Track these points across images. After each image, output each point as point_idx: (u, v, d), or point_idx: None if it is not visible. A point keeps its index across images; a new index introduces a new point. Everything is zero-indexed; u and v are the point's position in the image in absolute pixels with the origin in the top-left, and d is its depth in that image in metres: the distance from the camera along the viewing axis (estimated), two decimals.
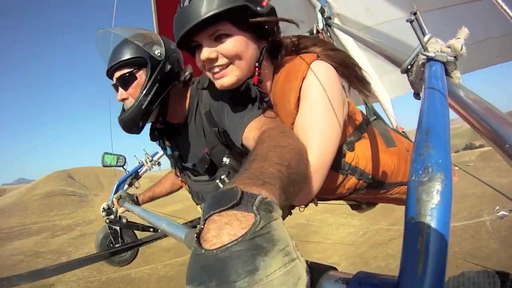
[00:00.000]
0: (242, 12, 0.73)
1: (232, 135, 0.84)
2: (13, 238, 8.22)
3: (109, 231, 1.90)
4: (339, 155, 0.88)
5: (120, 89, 1.00)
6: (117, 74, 0.99)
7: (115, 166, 2.02)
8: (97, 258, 1.59)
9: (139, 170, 2.07)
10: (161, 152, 1.98)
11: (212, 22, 0.72)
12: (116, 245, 2.02)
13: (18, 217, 9.88)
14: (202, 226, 0.32)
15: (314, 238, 6.78)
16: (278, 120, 0.78)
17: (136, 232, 2.04)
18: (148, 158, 1.99)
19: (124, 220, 1.88)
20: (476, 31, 2.01)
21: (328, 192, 0.98)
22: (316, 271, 0.38)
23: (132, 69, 0.98)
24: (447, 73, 0.58)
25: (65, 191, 12.33)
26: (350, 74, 0.82)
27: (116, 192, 1.90)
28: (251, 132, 0.74)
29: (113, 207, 1.82)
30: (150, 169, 2.04)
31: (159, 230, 1.68)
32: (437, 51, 0.58)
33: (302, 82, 0.75)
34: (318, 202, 1.06)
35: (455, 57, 0.57)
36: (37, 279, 1.21)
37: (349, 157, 0.90)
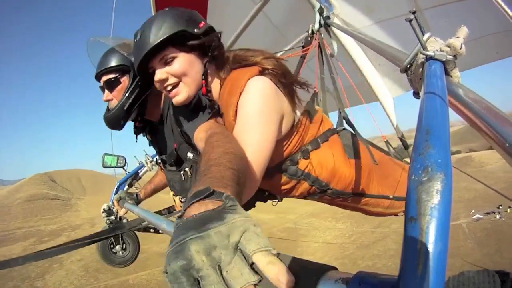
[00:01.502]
0: (181, 36, 0.85)
1: (190, 136, 0.96)
2: None
3: None
4: (292, 162, 0.98)
5: (106, 91, 1.16)
6: (104, 78, 1.15)
7: (115, 167, 2.02)
8: (93, 241, 1.61)
9: (139, 171, 2.07)
10: None
11: (159, 49, 0.86)
12: (117, 247, 2.02)
13: (1, 222, 9.66)
14: (183, 212, 0.40)
15: (304, 240, 7.05)
16: (222, 125, 0.89)
17: (136, 232, 2.04)
18: (148, 159, 1.99)
19: (124, 221, 1.88)
20: (475, 28, 2.01)
21: (281, 193, 1.09)
22: (316, 271, 0.38)
23: (117, 75, 1.15)
24: (447, 72, 0.57)
25: (48, 194, 12.14)
26: (286, 81, 0.89)
27: (116, 193, 1.90)
28: (199, 133, 0.86)
29: (113, 208, 1.82)
30: (150, 170, 2.03)
31: (160, 231, 1.68)
32: (437, 50, 0.58)
33: (239, 97, 0.83)
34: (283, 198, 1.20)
35: (454, 56, 0.57)
36: (40, 259, 1.36)
37: (302, 164, 0.99)
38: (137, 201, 1.76)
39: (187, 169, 1.20)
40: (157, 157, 1.41)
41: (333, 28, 1.84)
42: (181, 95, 0.90)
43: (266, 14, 2.55)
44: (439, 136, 0.34)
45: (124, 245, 2.05)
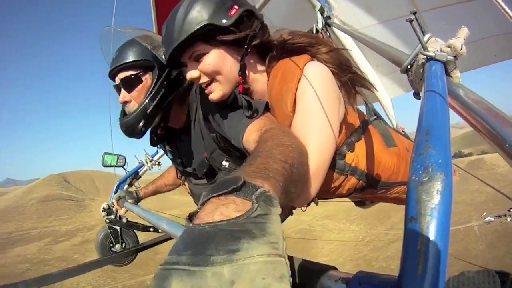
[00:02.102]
0: (209, 30, 0.75)
1: (233, 140, 0.83)
2: (13, 244, 8.07)
3: (109, 231, 1.90)
4: (340, 156, 0.88)
5: (123, 91, 0.97)
6: (121, 75, 0.96)
7: (115, 166, 2.02)
8: (104, 262, 1.57)
9: (139, 170, 2.07)
10: (161, 152, 1.98)
11: (187, 45, 0.77)
12: (117, 246, 2.02)
13: (16, 222, 9.71)
14: (198, 208, 0.32)
15: (318, 242, 7.05)
16: (277, 122, 0.78)
17: (136, 231, 2.04)
18: (148, 158, 1.99)
19: (124, 220, 1.88)
20: (475, 29, 2.01)
21: (328, 192, 0.98)
22: (317, 271, 0.38)
23: (138, 72, 0.95)
24: (447, 73, 0.57)
25: (62, 195, 12.21)
26: (343, 76, 0.81)
27: (116, 192, 1.89)
28: (251, 134, 0.74)
29: (113, 207, 1.82)
30: (150, 169, 2.03)
31: (159, 230, 1.68)
32: (437, 51, 0.58)
33: (298, 84, 0.75)
34: (319, 200, 1.07)
35: (455, 56, 0.57)
36: (43, 285, 1.22)
37: (349, 157, 0.90)
38: (137, 199, 1.76)
39: None
40: (179, 170, 1.19)
41: (334, 28, 1.84)
42: (215, 92, 0.82)
43: (266, 14, 2.55)
44: (439, 136, 0.34)
45: (123, 244, 2.05)
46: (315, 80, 0.74)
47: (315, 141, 0.69)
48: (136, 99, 0.96)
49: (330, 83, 0.77)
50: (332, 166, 0.86)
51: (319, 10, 1.81)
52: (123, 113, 1.03)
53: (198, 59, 0.79)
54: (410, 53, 0.64)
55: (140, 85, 0.96)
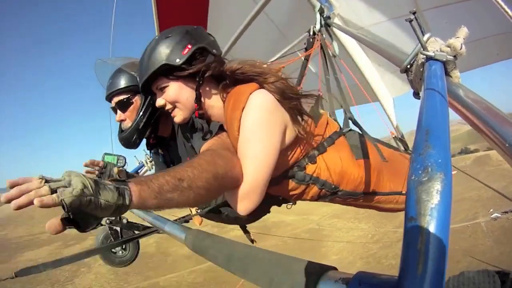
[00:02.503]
0: (166, 68, 0.92)
1: (197, 152, 0.99)
2: (23, 248, 8.07)
3: (109, 231, 1.90)
4: (299, 168, 0.99)
5: (119, 111, 1.18)
6: (116, 99, 1.17)
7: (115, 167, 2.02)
8: (98, 251, 1.63)
9: (139, 171, 2.07)
10: None
11: (152, 79, 0.95)
12: (126, 253, 2.02)
13: (26, 226, 9.67)
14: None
15: (328, 241, 7.21)
16: (224, 142, 0.92)
17: (136, 232, 2.04)
18: (148, 159, 1.99)
19: (124, 221, 1.88)
20: (475, 29, 2.01)
21: (293, 198, 1.11)
22: (317, 271, 0.38)
23: (129, 95, 1.16)
24: (447, 73, 0.57)
25: None
26: (287, 104, 0.90)
27: None
28: (203, 148, 0.91)
29: None
30: (150, 169, 2.04)
31: (160, 231, 1.68)
32: (437, 50, 0.58)
33: (242, 112, 0.85)
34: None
35: (454, 56, 0.57)
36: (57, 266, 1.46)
37: (310, 169, 1.00)
38: None
39: None
40: None
41: (334, 29, 1.84)
42: (177, 116, 0.98)
43: (267, 13, 2.55)
44: (439, 136, 0.34)
45: (124, 245, 2.05)
46: (256, 108, 0.84)
47: (250, 165, 0.81)
48: (129, 118, 1.18)
49: (271, 110, 0.86)
50: (291, 176, 1.00)
51: (318, 11, 1.81)
52: (120, 130, 1.24)
53: (162, 90, 0.96)
54: (409, 53, 0.64)
55: (132, 106, 1.17)
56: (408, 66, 0.66)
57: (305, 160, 1.00)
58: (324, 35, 1.76)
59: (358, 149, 1.09)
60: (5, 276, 1.31)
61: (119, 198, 0.54)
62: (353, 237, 7.16)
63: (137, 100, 1.17)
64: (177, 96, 0.95)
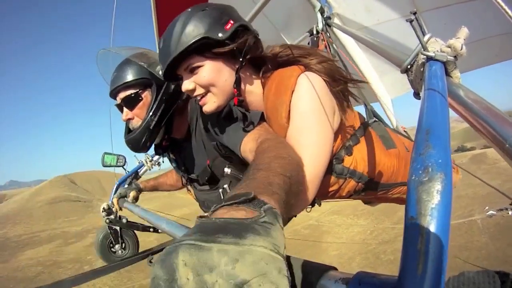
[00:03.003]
0: (205, 43, 0.77)
1: (232, 149, 0.86)
2: (24, 247, 7.92)
3: (109, 231, 1.89)
4: (338, 160, 0.91)
5: (125, 109, 1.02)
6: (122, 95, 1.01)
7: (115, 166, 2.02)
8: (116, 267, 1.57)
9: (139, 170, 2.07)
10: None
11: (183, 58, 0.79)
12: (116, 246, 2.02)
13: (25, 225, 9.56)
14: (210, 213, 0.34)
15: (327, 237, 7.21)
16: (273, 132, 0.81)
17: (136, 232, 2.04)
18: (148, 158, 1.99)
19: (124, 220, 1.88)
20: (476, 30, 2.01)
21: (328, 195, 1.01)
22: (316, 271, 0.38)
23: (138, 90, 1.00)
24: (447, 73, 0.58)
25: (70, 196, 12.05)
26: (336, 86, 0.82)
27: (115, 192, 1.89)
28: (247, 144, 0.77)
29: (113, 207, 1.82)
30: (150, 169, 2.03)
31: (159, 230, 1.68)
32: (437, 51, 0.58)
33: (291, 96, 0.76)
34: (322, 201, 1.10)
35: (455, 56, 0.57)
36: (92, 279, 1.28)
37: (347, 161, 0.92)
38: (138, 189, 1.76)
39: (225, 186, 1.04)
40: (183, 177, 1.23)
41: (334, 29, 1.84)
42: (209, 104, 0.84)
43: (266, 15, 2.56)
44: (439, 136, 0.34)
45: (123, 244, 2.05)
46: (308, 91, 0.75)
47: (308, 153, 0.71)
48: (138, 116, 1.01)
49: (323, 93, 0.77)
50: (330, 170, 0.89)
51: (319, 11, 1.82)
52: (128, 130, 1.07)
53: (193, 71, 0.81)
54: (410, 53, 0.64)
55: (141, 103, 1.00)
56: (409, 67, 0.66)
57: (342, 151, 0.91)
58: (328, 34, 1.77)
59: (386, 140, 1.04)
60: None
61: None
62: (353, 233, 7.24)
63: (147, 95, 1.01)
64: (214, 77, 0.80)
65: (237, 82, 0.82)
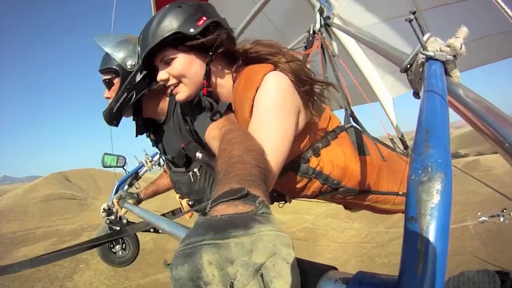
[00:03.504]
0: (177, 37, 0.84)
1: (200, 135, 0.94)
2: (18, 244, 7.87)
3: (109, 231, 1.89)
4: (303, 160, 0.95)
5: (106, 89, 1.19)
6: (103, 77, 1.19)
7: (115, 167, 2.02)
8: (90, 247, 1.59)
9: (139, 171, 2.07)
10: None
11: (158, 49, 0.87)
12: (117, 247, 2.02)
13: (19, 222, 9.45)
14: (209, 209, 0.37)
15: (323, 240, 7.42)
16: (236, 122, 0.86)
17: (136, 232, 2.04)
18: (148, 159, 1.99)
19: (124, 221, 1.88)
20: (476, 28, 2.01)
21: (294, 192, 1.06)
22: (316, 271, 0.38)
23: (110, 76, 1.17)
24: (447, 72, 0.57)
25: (64, 194, 11.94)
26: (302, 86, 0.85)
27: (116, 192, 1.89)
28: (212, 131, 0.84)
29: (113, 207, 1.82)
30: (150, 170, 2.03)
31: (160, 231, 1.68)
32: (437, 50, 0.58)
33: (256, 91, 0.80)
34: (293, 200, 1.18)
35: (454, 56, 0.57)
36: (36, 266, 1.35)
37: (313, 162, 0.96)
38: (138, 200, 1.76)
39: (196, 169, 1.17)
40: (161, 158, 1.38)
41: (333, 28, 1.84)
42: (181, 93, 0.91)
43: (266, 14, 2.55)
44: (439, 136, 0.34)
45: (124, 245, 2.05)
46: (272, 89, 0.79)
47: (266, 147, 0.73)
48: (111, 97, 1.18)
49: (287, 92, 0.80)
50: (295, 168, 0.96)
51: (318, 10, 1.82)
52: None
53: (167, 62, 0.88)
54: (409, 53, 0.64)
55: (113, 87, 1.17)
56: (408, 66, 0.66)
57: (309, 152, 0.96)
58: (324, 34, 1.77)
59: (360, 146, 1.07)
60: None
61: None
62: (347, 237, 7.44)
63: (117, 82, 1.16)
64: (185, 69, 0.87)
65: (207, 74, 0.88)
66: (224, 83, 0.92)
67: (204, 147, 1.09)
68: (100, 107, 1.26)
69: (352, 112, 1.34)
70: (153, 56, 0.90)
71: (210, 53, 0.87)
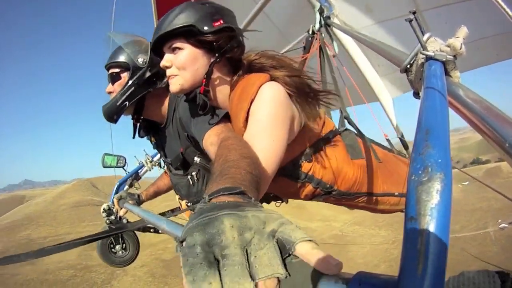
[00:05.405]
0: (192, 30, 0.87)
1: (198, 140, 0.95)
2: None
3: None
4: (296, 165, 0.97)
5: (109, 83, 1.20)
6: (111, 70, 1.20)
7: (115, 167, 2.02)
8: (86, 242, 1.62)
9: (139, 171, 2.07)
10: None
11: (170, 37, 0.89)
12: (117, 247, 2.02)
13: (49, 227, 9.44)
14: (208, 200, 0.39)
15: (352, 246, 7.72)
16: (234, 131, 0.87)
17: (136, 232, 2.04)
18: (148, 159, 1.99)
19: (124, 221, 1.88)
20: (475, 29, 2.01)
21: (287, 195, 1.10)
22: (316, 271, 0.38)
23: (119, 70, 1.19)
24: (447, 72, 0.57)
25: (93, 201, 11.97)
26: (302, 99, 0.87)
27: (116, 193, 1.89)
28: (210, 137, 0.85)
29: (113, 208, 1.82)
30: (150, 170, 2.03)
31: (160, 231, 1.68)
32: (437, 50, 0.58)
33: (250, 104, 0.81)
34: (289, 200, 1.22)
35: (454, 56, 0.57)
36: (41, 256, 1.42)
37: (305, 167, 0.99)
38: (139, 202, 1.76)
39: (194, 173, 1.20)
40: (162, 160, 1.41)
41: (333, 28, 1.84)
42: (173, 85, 0.92)
43: (267, 14, 2.55)
44: (439, 136, 0.34)
45: (124, 245, 2.06)
46: (266, 101, 0.80)
47: (260, 153, 0.75)
48: (115, 92, 1.18)
49: (281, 103, 0.81)
50: (288, 173, 0.99)
51: (318, 10, 1.82)
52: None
53: (174, 51, 0.90)
54: (409, 53, 0.64)
55: (119, 81, 1.18)
56: (408, 66, 0.66)
57: (302, 157, 0.98)
58: (323, 35, 1.77)
59: (353, 149, 1.09)
60: None
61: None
62: (376, 243, 7.76)
63: (125, 76, 1.18)
64: (188, 62, 0.88)
65: (208, 74, 0.89)
66: (222, 90, 0.94)
67: (202, 152, 1.10)
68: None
69: (347, 114, 1.34)
70: (163, 43, 0.92)
71: (216, 55, 0.89)
